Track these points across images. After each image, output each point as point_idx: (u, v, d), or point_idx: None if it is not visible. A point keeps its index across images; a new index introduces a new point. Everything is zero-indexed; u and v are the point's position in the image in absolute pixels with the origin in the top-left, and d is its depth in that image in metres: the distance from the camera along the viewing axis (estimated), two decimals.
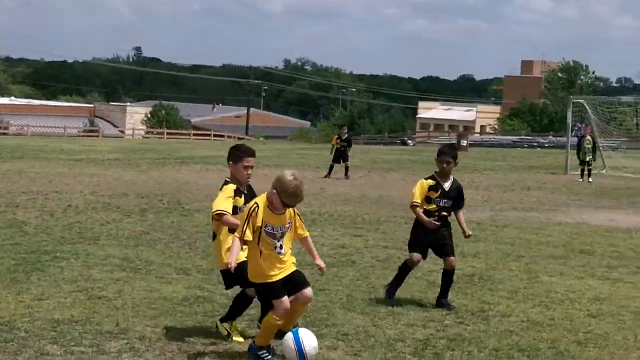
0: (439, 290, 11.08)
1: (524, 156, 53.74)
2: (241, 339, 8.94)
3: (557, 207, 24.10)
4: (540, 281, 12.77)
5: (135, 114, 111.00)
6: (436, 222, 10.87)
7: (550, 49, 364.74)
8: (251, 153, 9.23)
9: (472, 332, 9.70)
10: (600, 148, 40.71)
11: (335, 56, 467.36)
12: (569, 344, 9.26)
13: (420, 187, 11.12)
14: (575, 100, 43.51)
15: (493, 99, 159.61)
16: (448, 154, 11.26)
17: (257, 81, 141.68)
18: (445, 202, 11.10)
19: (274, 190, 8.26)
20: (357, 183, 30.75)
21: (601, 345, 9.27)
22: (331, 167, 33.36)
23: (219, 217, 8.98)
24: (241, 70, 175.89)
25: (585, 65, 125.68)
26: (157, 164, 37.26)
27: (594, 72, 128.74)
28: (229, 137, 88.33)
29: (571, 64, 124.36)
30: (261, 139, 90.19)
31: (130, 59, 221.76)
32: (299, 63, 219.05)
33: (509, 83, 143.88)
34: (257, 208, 8.30)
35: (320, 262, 8.65)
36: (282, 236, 8.34)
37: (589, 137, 36.10)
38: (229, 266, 8.26)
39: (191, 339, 8.99)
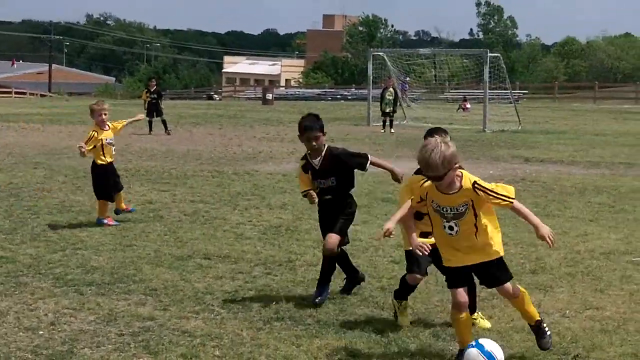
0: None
1: (328, 108, 54.44)
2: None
3: None
4: None
5: None
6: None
7: (351, 3, 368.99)
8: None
9: (280, 282, 9.82)
10: (401, 99, 41.67)
11: (138, 11, 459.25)
12: (373, 290, 9.49)
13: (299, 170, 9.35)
14: (375, 53, 44.27)
15: (297, 52, 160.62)
16: (314, 128, 8.96)
17: (58, 37, 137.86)
18: (324, 182, 9.07)
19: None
20: (163, 138, 30.46)
21: None
22: (150, 123, 32.69)
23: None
24: (42, 25, 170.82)
25: (385, 19, 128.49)
26: None
27: (392, 26, 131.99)
28: (31, 94, 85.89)
29: (371, 17, 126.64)
30: (65, 95, 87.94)
31: None
32: (102, 18, 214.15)
33: (312, 37, 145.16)
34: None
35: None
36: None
37: (391, 89, 36.87)
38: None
39: None
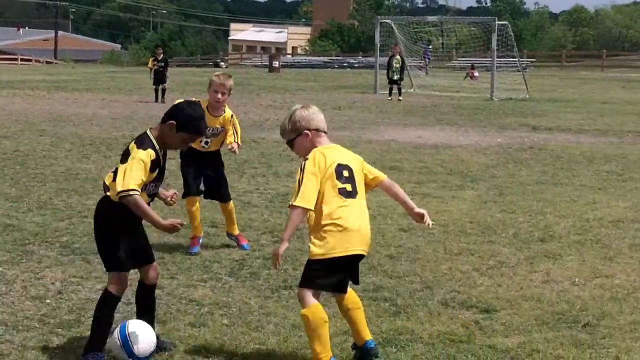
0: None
1: (335, 76, 54.27)
2: None
3: (367, 125, 24.50)
4: None
5: None
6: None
7: None
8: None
9: (288, 250, 9.66)
10: (408, 67, 41.52)
11: None
12: (381, 258, 9.46)
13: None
14: (382, 21, 44.04)
15: (304, 20, 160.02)
16: None
17: (64, 2, 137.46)
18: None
19: None
20: (170, 105, 30.28)
21: (413, 259, 9.51)
22: (156, 91, 32.55)
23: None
24: None
25: None
26: None
27: None
28: (37, 61, 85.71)
29: None
30: (71, 62, 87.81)
31: None
32: None
33: (318, 4, 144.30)
34: None
35: None
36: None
37: (398, 57, 36.68)
38: None
39: (0, 268, 8.74)
